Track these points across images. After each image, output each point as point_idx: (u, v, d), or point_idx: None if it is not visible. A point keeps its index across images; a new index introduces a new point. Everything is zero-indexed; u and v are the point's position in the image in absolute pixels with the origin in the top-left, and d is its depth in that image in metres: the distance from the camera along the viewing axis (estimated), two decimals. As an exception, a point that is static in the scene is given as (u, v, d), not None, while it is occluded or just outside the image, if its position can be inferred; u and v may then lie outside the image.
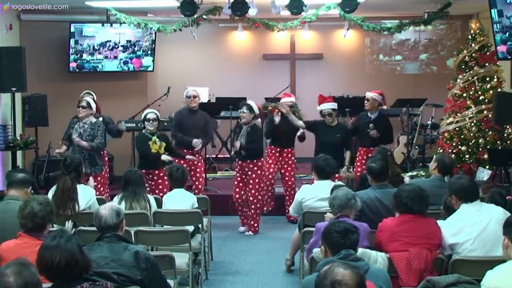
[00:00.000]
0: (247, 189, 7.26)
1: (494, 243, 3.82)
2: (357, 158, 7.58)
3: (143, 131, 7.08)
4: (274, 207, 8.01)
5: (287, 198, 7.85)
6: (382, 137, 7.52)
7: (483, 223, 3.97)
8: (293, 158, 7.86)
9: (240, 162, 7.26)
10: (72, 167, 5.28)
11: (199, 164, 7.58)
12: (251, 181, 7.20)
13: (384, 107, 7.72)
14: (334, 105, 7.24)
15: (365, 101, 7.62)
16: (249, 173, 7.20)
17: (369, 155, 7.52)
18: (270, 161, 7.74)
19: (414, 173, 8.26)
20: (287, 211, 7.91)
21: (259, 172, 7.24)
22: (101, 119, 7.18)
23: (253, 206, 7.27)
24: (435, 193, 5.01)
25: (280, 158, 7.80)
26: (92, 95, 7.56)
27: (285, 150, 7.79)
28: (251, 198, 7.24)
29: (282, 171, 7.84)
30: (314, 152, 7.13)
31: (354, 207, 4.17)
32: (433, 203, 4.93)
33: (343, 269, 2.40)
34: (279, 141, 7.72)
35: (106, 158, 7.51)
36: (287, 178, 7.83)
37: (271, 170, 7.75)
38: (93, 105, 6.94)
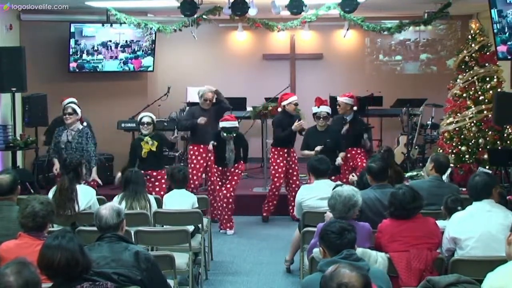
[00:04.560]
0: (224, 184, 7.29)
1: (497, 245, 3.81)
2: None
3: (139, 135, 7.06)
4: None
5: (291, 198, 7.83)
6: (359, 138, 7.64)
7: (488, 223, 3.98)
8: (297, 156, 7.85)
9: (220, 168, 7.28)
10: (71, 167, 5.28)
11: None
12: (233, 182, 7.29)
13: (355, 108, 7.77)
14: (329, 109, 7.27)
15: (337, 106, 7.71)
16: (227, 173, 7.30)
17: (348, 155, 7.61)
18: (279, 161, 7.69)
19: (414, 173, 8.28)
20: (291, 209, 7.90)
21: (240, 172, 7.39)
22: (85, 123, 7.02)
23: (230, 206, 7.32)
24: (434, 193, 5.04)
25: (288, 158, 7.77)
26: (76, 102, 7.48)
27: (292, 149, 7.78)
28: (230, 200, 7.28)
29: (290, 170, 7.80)
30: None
31: (354, 212, 4.13)
32: (433, 203, 4.96)
33: (349, 270, 2.39)
34: (286, 142, 7.68)
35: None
36: (294, 178, 7.80)
37: (280, 171, 7.68)
38: (79, 111, 6.82)
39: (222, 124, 7.17)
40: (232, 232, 7.36)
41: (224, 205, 7.28)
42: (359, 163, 7.55)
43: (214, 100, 7.64)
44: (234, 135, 7.18)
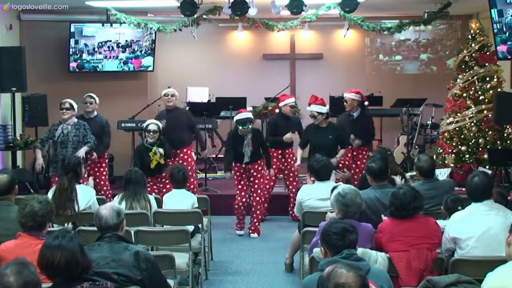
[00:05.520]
0: (252, 190, 7.19)
1: (497, 245, 3.80)
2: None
3: (144, 141, 7.03)
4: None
5: (292, 198, 7.81)
6: (364, 135, 7.67)
7: (488, 224, 3.97)
8: (295, 158, 7.79)
9: (243, 166, 7.12)
10: (70, 167, 5.29)
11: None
12: (256, 181, 7.16)
13: (366, 103, 7.78)
14: (322, 108, 7.12)
15: (344, 103, 7.70)
16: (255, 174, 7.15)
17: (354, 153, 7.66)
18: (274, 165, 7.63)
19: (414, 173, 8.26)
20: (290, 210, 7.90)
21: (263, 171, 7.25)
22: (78, 120, 7.01)
23: (258, 207, 7.25)
24: (431, 196, 5.02)
25: (283, 160, 7.73)
26: (94, 97, 7.52)
27: (287, 151, 7.75)
28: (257, 199, 7.20)
29: (286, 172, 7.77)
30: (308, 153, 7.16)
31: (358, 212, 4.12)
32: (432, 205, 4.96)
33: (346, 271, 2.38)
34: (281, 143, 7.63)
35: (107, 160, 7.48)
36: (291, 179, 7.78)
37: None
38: (76, 106, 6.93)
39: (236, 117, 7.06)
40: (256, 235, 7.30)
41: (258, 211, 7.25)
42: (361, 166, 7.56)
43: (176, 98, 7.73)
44: (250, 126, 6.99)
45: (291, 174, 7.77)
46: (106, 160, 7.66)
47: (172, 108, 7.75)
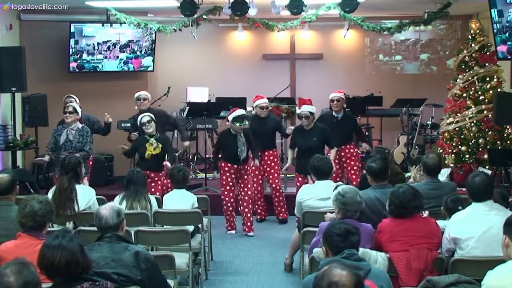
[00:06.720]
0: (240, 189, 7.24)
1: (497, 245, 3.79)
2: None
3: (143, 136, 7.06)
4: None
5: (275, 199, 7.80)
6: (354, 135, 7.76)
7: (488, 224, 3.96)
8: (275, 159, 7.76)
9: (235, 166, 7.15)
10: (70, 167, 5.28)
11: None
12: (245, 182, 7.22)
13: (344, 105, 7.83)
14: (312, 108, 7.18)
15: (335, 102, 7.66)
16: (243, 173, 7.21)
17: (342, 153, 7.67)
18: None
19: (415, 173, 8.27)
20: (276, 211, 7.90)
21: (249, 171, 7.32)
22: (82, 125, 6.99)
23: (249, 206, 7.28)
24: (433, 196, 5.02)
25: (263, 162, 7.63)
26: (74, 98, 7.50)
27: (266, 153, 7.65)
28: (245, 198, 7.24)
29: (266, 174, 7.73)
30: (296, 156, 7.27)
31: (358, 212, 4.13)
32: (434, 205, 4.96)
33: (340, 270, 2.38)
34: (259, 144, 7.50)
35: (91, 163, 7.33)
36: (271, 181, 7.73)
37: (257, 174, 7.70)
38: (79, 110, 6.91)
39: (233, 115, 7.02)
40: (253, 234, 7.31)
41: (247, 209, 7.26)
42: (351, 163, 7.62)
43: (148, 101, 7.80)
44: (248, 122, 7.03)
45: (272, 171, 7.69)
46: (90, 163, 7.38)
47: (145, 110, 7.62)
